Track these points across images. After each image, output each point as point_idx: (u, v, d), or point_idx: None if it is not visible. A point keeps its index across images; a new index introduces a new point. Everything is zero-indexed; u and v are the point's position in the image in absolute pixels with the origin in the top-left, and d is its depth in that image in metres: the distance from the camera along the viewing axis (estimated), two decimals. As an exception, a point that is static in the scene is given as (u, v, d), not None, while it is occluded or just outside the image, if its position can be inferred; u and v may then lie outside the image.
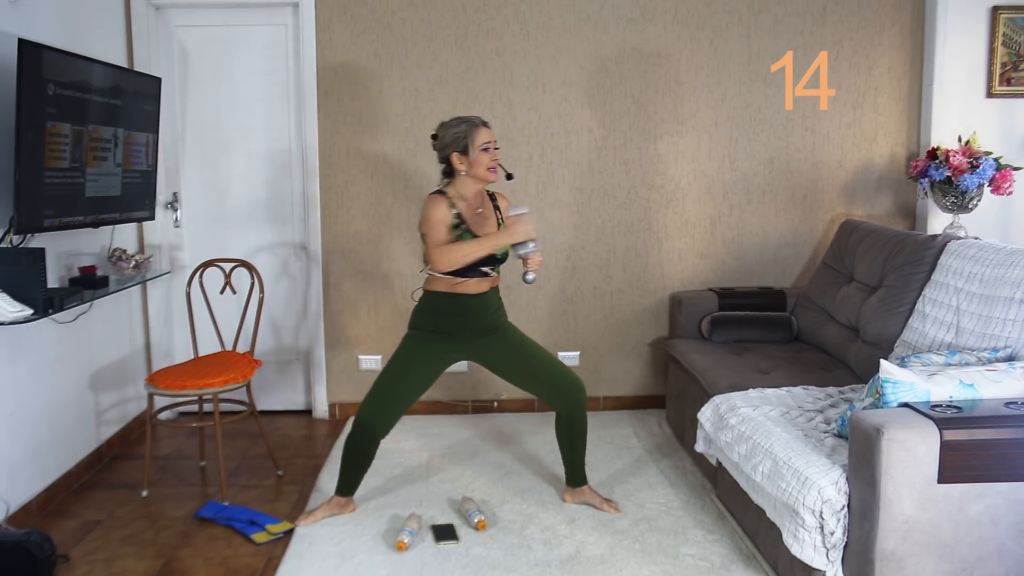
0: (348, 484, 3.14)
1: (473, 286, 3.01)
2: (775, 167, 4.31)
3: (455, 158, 2.98)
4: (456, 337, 3.07)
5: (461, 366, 4.30)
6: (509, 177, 3.05)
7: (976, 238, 3.29)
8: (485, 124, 3.00)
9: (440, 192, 3.03)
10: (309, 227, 4.25)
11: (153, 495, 3.39)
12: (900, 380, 2.32)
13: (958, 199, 3.94)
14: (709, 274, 4.37)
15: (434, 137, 3.05)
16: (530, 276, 2.98)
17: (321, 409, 4.38)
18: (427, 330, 3.08)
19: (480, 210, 3.06)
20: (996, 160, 3.85)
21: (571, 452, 3.21)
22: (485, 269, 3.00)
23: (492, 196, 3.14)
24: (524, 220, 2.95)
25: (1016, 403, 2.25)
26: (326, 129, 4.19)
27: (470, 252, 2.93)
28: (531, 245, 2.94)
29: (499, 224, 3.07)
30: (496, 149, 3.01)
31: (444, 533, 2.96)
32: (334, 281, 4.29)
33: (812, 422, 2.73)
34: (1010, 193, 3.88)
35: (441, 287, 3.02)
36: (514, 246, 2.97)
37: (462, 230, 2.97)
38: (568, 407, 3.16)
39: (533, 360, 3.13)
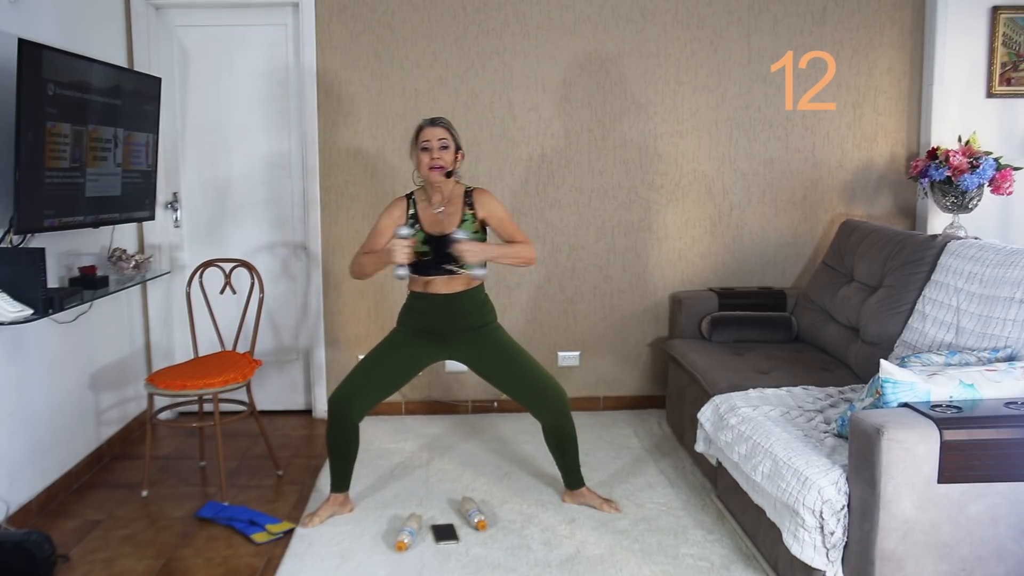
0: (339, 478, 3.15)
1: (442, 285, 3.03)
2: (775, 167, 4.31)
3: (412, 159, 3.06)
4: (434, 336, 3.09)
5: (461, 366, 4.30)
6: (448, 175, 3.01)
7: (976, 238, 3.29)
8: (432, 123, 3.01)
9: (408, 194, 3.11)
10: (309, 227, 4.25)
11: (153, 495, 3.39)
12: (900, 380, 2.32)
13: (958, 199, 3.94)
14: (709, 274, 4.37)
15: None
16: (399, 271, 2.94)
17: (321, 409, 4.38)
18: (408, 327, 3.14)
19: (441, 210, 3.05)
20: (996, 160, 3.85)
21: (563, 458, 3.20)
22: (450, 268, 2.99)
23: (469, 193, 3.08)
24: (400, 244, 2.89)
25: (1016, 403, 2.25)
26: (326, 129, 4.19)
27: (365, 264, 3.06)
28: (400, 271, 2.92)
29: (461, 222, 3.02)
30: (444, 148, 2.97)
31: (444, 533, 2.96)
32: (334, 281, 4.29)
33: (812, 422, 2.73)
34: (1010, 193, 3.88)
35: (416, 287, 3.10)
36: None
37: (416, 230, 3.02)
38: (549, 417, 3.13)
39: (514, 366, 3.10)
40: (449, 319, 3.06)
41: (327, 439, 3.13)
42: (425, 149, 2.98)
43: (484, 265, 2.98)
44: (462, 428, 4.14)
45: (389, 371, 3.11)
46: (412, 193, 3.13)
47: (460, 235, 2.94)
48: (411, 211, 3.07)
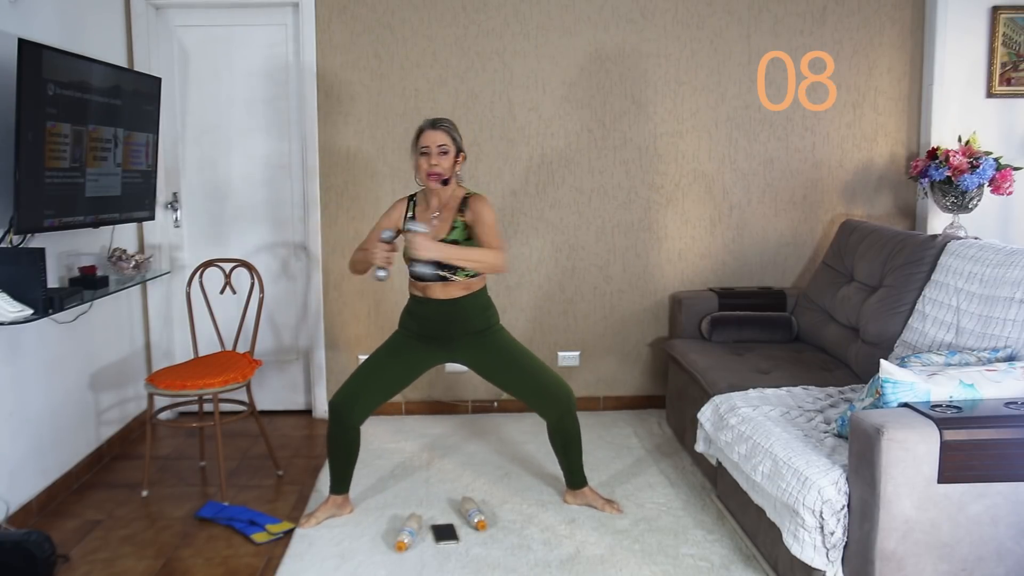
0: (338, 479, 3.14)
1: (439, 291, 3.00)
2: (775, 167, 4.31)
3: (412, 160, 3.03)
4: (435, 339, 3.08)
5: (461, 366, 4.29)
6: (444, 183, 2.96)
7: (976, 238, 3.29)
8: (433, 126, 2.95)
9: (411, 195, 3.12)
10: (309, 227, 4.25)
11: (153, 495, 3.39)
12: (900, 380, 2.32)
13: (958, 199, 3.94)
14: (709, 274, 4.37)
15: None
16: (379, 273, 2.87)
17: (321, 409, 4.38)
18: (409, 330, 3.13)
19: (437, 215, 3.02)
20: (996, 160, 3.85)
21: (566, 458, 3.20)
22: (443, 274, 2.96)
23: (466, 199, 3.02)
24: (380, 247, 2.84)
25: (1016, 403, 2.25)
26: (326, 129, 4.19)
27: (356, 261, 3.08)
28: (380, 272, 2.85)
29: (451, 229, 2.98)
30: (443, 154, 2.92)
31: (444, 533, 2.96)
32: (334, 281, 4.29)
33: (812, 422, 2.73)
34: (1010, 193, 3.88)
35: (414, 290, 3.09)
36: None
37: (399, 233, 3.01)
38: (555, 416, 3.12)
39: (519, 367, 3.09)
40: (448, 324, 3.05)
41: (327, 442, 3.12)
42: (424, 154, 2.93)
43: (440, 266, 2.90)
44: (462, 428, 4.14)
45: (391, 374, 3.09)
46: (415, 194, 3.12)
47: (418, 228, 2.82)
48: (410, 213, 3.06)
